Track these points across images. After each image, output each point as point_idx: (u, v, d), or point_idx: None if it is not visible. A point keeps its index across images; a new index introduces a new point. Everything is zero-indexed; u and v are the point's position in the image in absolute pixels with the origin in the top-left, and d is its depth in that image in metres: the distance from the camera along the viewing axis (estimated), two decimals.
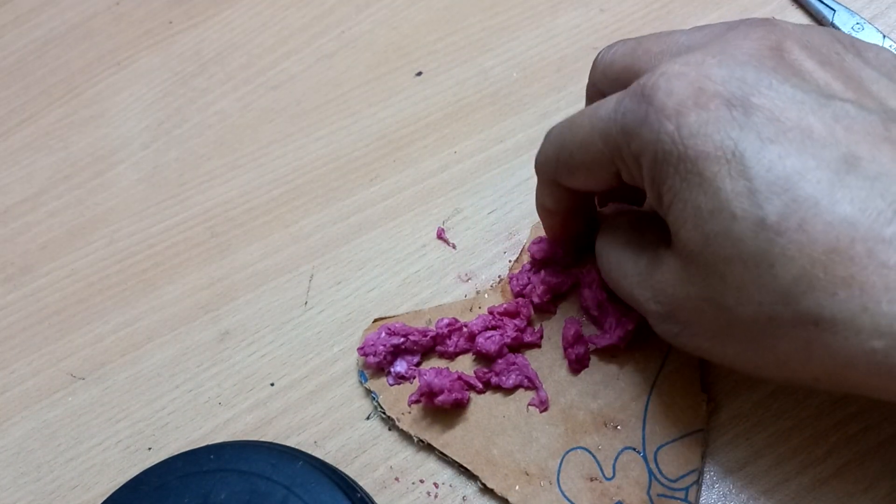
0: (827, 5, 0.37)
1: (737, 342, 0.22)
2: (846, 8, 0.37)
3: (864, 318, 0.19)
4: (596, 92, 0.29)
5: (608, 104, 0.24)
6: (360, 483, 0.30)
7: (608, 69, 0.27)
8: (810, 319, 0.20)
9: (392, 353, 0.31)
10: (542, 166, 0.28)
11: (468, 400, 0.30)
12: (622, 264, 0.26)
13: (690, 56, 0.23)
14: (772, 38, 0.23)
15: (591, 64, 0.38)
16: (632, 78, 0.24)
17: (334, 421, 0.31)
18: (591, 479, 0.28)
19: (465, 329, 0.31)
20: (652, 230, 0.26)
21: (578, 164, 0.26)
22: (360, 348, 0.31)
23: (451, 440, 0.29)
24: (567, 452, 0.28)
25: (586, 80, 0.38)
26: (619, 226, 0.28)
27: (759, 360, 0.22)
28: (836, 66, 0.23)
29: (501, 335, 0.30)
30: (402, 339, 0.31)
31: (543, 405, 0.29)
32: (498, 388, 0.30)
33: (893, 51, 0.36)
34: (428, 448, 0.30)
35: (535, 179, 0.36)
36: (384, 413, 0.31)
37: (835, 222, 0.19)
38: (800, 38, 0.23)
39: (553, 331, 0.31)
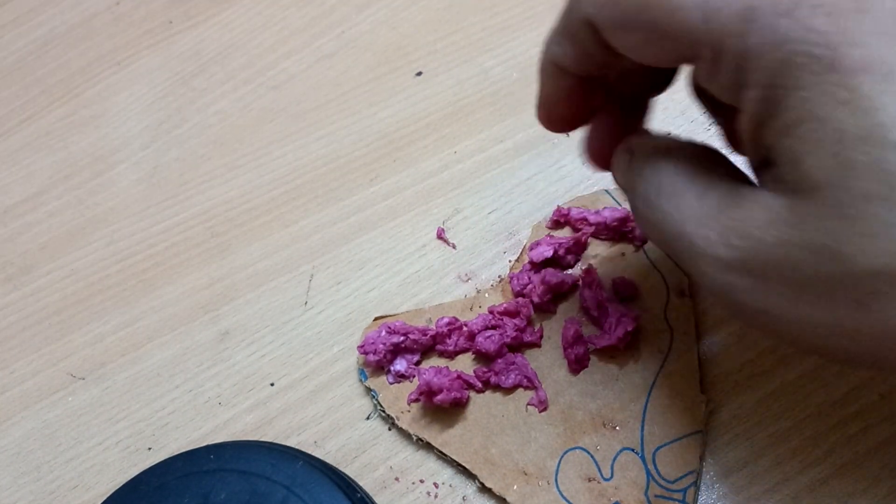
0: None
1: (831, 305, 0.19)
2: None
3: None
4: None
5: None
6: (360, 483, 0.30)
7: None
8: None
9: (392, 351, 0.31)
10: (587, 2, 0.22)
11: (467, 399, 0.30)
12: (677, 196, 0.22)
13: None
14: None
15: None
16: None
17: (334, 421, 0.31)
18: (589, 480, 0.28)
19: (464, 328, 0.31)
20: (725, 166, 0.22)
21: (648, 22, 0.20)
22: (360, 346, 0.31)
23: (449, 439, 0.29)
24: (565, 452, 0.28)
25: None
26: (677, 154, 0.23)
27: (857, 330, 0.19)
28: None
29: (501, 335, 0.30)
30: (402, 338, 0.31)
31: (542, 405, 0.29)
32: (497, 388, 0.30)
33: None
34: (427, 447, 0.30)
35: (535, 179, 0.36)
36: (384, 411, 0.31)
37: None
38: None
39: (553, 331, 0.31)
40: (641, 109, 0.27)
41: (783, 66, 0.18)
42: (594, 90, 0.25)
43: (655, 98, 0.27)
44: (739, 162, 0.22)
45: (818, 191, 0.18)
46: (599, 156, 0.27)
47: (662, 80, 0.25)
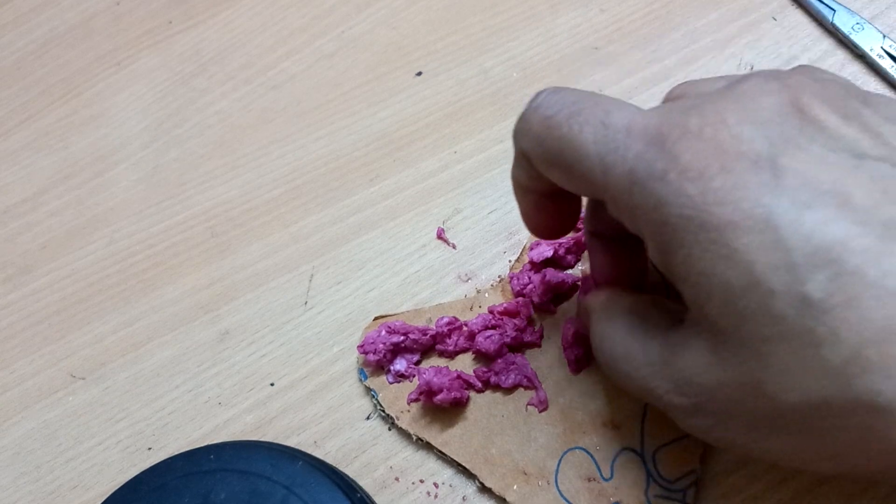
0: (827, 5, 0.37)
1: (782, 434, 0.20)
2: (846, 8, 0.37)
3: None
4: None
5: (618, 126, 0.21)
6: (360, 483, 0.30)
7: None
8: (867, 405, 0.17)
9: (392, 351, 0.31)
10: (521, 138, 0.24)
11: (467, 399, 0.30)
12: (629, 356, 0.23)
13: (706, 107, 0.20)
14: (789, 93, 0.20)
15: (590, 64, 0.38)
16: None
17: (334, 421, 0.31)
18: (589, 480, 0.28)
19: (464, 328, 0.31)
20: (657, 312, 0.24)
21: (565, 167, 0.22)
22: (360, 346, 0.31)
23: (449, 439, 0.29)
24: (565, 452, 0.28)
25: (586, 80, 0.38)
26: (615, 312, 0.25)
27: (809, 454, 0.20)
28: (857, 121, 0.20)
29: (501, 334, 0.30)
30: (402, 338, 0.31)
31: (542, 405, 0.29)
32: (497, 388, 0.30)
33: (892, 51, 0.35)
34: (427, 447, 0.30)
35: None
36: (383, 411, 0.31)
37: (886, 297, 0.17)
38: (815, 92, 0.21)
39: (553, 331, 0.31)
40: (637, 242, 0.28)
41: (664, 226, 0.20)
42: (563, 202, 0.26)
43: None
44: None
45: (725, 335, 0.19)
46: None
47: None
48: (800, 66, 0.23)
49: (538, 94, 0.24)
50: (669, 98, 0.25)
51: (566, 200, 0.26)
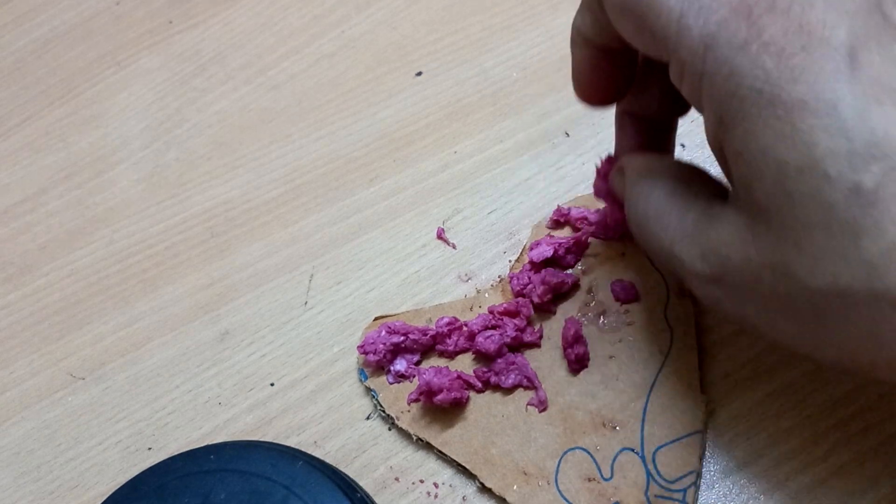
0: None
1: (794, 317, 0.20)
2: None
3: None
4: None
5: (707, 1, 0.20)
6: (360, 483, 0.30)
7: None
8: (889, 298, 0.18)
9: (392, 351, 0.31)
10: None
11: (467, 399, 0.30)
12: (663, 217, 0.24)
13: None
14: None
15: None
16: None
17: (334, 421, 0.31)
18: (589, 480, 0.28)
19: (464, 328, 0.31)
20: (702, 181, 0.24)
21: (639, 15, 0.22)
22: (360, 346, 0.31)
23: (449, 439, 0.29)
24: (565, 452, 0.28)
25: None
26: (660, 174, 0.25)
27: (816, 340, 0.21)
28: None
29: (501, 335, 0.30)
30: (402, 338, 0.31)
31: (542, 405, 0.29)
32: (497, 388, 0.30)
33: None
34: (427, 447, 0.30)
35: (535, 179, 0.36)
36: (383, 411, 0.31)
37: None
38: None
39: (553, 331, 0.31)
40: (667, 129, 0.29)
41: (732, 97, 0.20)
42: (620, 64, 0.26)
43: (680, 119, 0.29)
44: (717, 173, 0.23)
45: (767, 215, 0.20)
46: None
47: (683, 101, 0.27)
48: None
49: None
50: None
51: (623, 63, 0.26)
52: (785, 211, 0.19)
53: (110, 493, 0.29)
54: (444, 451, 0.29)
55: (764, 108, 0.19)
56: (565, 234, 0.33)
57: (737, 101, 0.20)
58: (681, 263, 0.23)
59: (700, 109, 0.21)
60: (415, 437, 0.30)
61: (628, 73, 0.27)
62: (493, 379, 0.30)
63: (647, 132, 0.28)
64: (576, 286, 0.32)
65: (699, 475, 0.28)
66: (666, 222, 0.23)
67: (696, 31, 0.20)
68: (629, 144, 0.29)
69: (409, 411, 0.30)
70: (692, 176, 0.25)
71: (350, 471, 0.30)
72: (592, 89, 0.27)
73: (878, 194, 0.18)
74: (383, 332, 0.31)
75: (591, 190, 0.34)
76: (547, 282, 0.31)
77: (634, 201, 0.25)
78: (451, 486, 0.29)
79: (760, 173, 0.19)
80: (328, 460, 0.30)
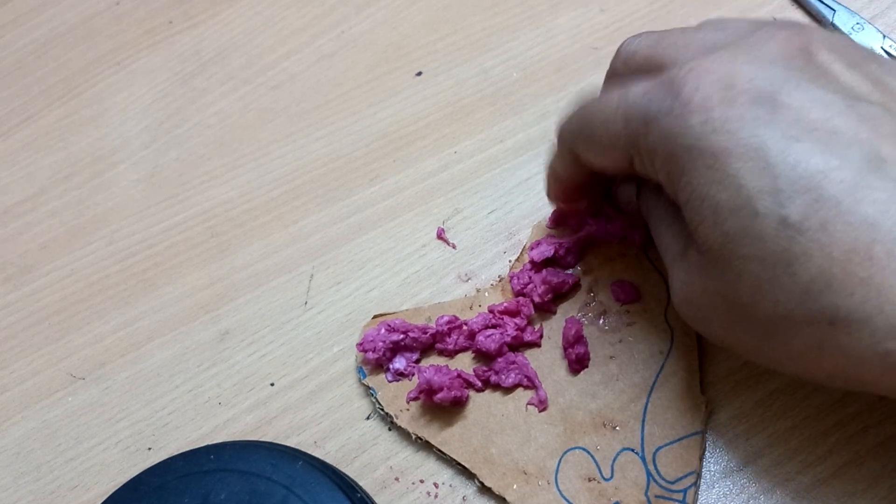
0: (827, 5, 0.37)
1: (750, 335, 0.22)
2: (846, 8, 0.37)
3: (879, 319, 0.19)
4: (614, 81, 0.28)
5: (637, 88, 0.24)
6: (360, 483, 0.30)
7: (630, 59, 0.27)
8: (826, 318, 0.20)
9: (391, 349, 0.31)
10: (562, 132, 0.28)
11: (467, 398, 0.30)
12: (662, 231, 0.27)
13: (719, 53, 0.23)
14: (799, 40, 0.23)
15: (590, 64, 0.38)
16: (654, 70, 0.25)
17: (334, 421, 0.31)
18: (589, 480, 0.28)
19: (465, 327, 0.31)
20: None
21: (598, 140, 0.26)
22: (360, 344, 0.31)
23: (449, 438, 0.29)
24: (565, 452, 0.28)
25: (586, 81, 0.38)
26: (661, 203, 0.28)
27: (772, 354, 0.22)
28: (863, 70, 0.22)
29: (501, 334, 0.30)
30: (402, 336, 0.31)
31: (542, 405, 0.29)
32: (497, 387, 0.30)
33: (893, 51, 0.35)
34: (427, 447, 0.30)
35: (534, 180, 0.36)
36: (382, 409, 0.31)
37: (856, 223, 0.19)
38: (826, 42, 0.23)
39: (553, 330, 0.31)
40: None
41: (672, 157, 0.22)
42: (591, 187, 0.30)
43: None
44: None
45: (712, 253, 0.22)
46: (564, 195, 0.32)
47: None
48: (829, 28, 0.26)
49: (576, 102, 0.28)
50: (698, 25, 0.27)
51: (591, 187, 0.30)
52: (725, 248, 0.21)
53: (110, 493, 0.29)
54: (443, 450, 0.29)
55: (696, 160, 0.21)
56: (565, 234, 0.33)
57: (675, 160, 0.22)
58: (671, 279, 0.26)
59: (658, 180, 0.24)
60: (414, 436, 0.30)
61: (598, 188, 0.31)
62: (493, 378, 0.30)
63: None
64: (576, 286, 0.32)
65: (699, 475, 0.28)
66: (664, 241, 0.26)
67: (636, 113, 0.23)
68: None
69: (407, 410, 0.30)
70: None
71: (350, 471, 0.30)
72: (567, 205, 0.32)
73: (804, 224, 0.20)
74: (382, 330, 0.31)
75: None
76: (548, 281, 0.31)
77: (649, 214, 0.28)
78: (451, 486, 0.29)
79: (702, 217, 0.22)
80: (328, 460, 0.30)
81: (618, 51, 0.28)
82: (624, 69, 0.27)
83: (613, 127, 0.25)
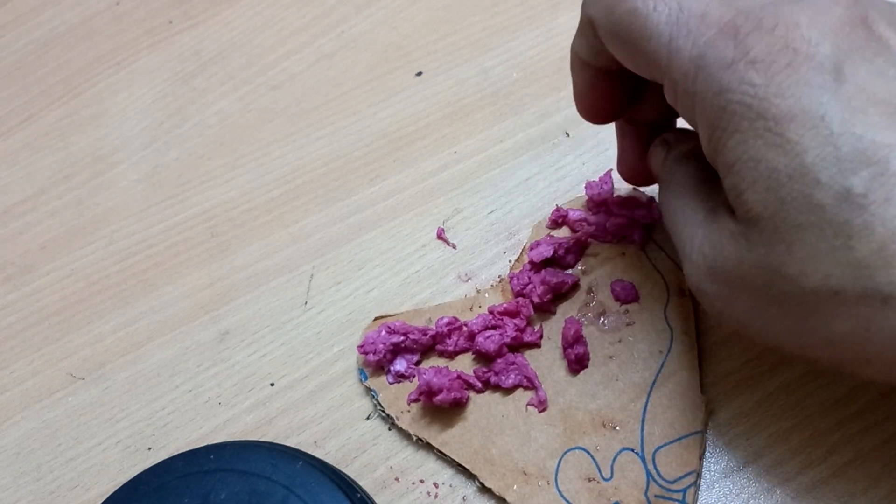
0: None
1: (784, 316, 0.21)
2: None
3: None
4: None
5: (694, 11, 0.22)
6: (360, 483, 0.30)
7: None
8: (879, 296, 0.19)
9: (392, 351, 0.31)
10: (592, 5, 0.25)
11: (467, 399, 0.30)
12: (686, 199, 0.25)
13: (789, 9, 0.21)
14: (859, 9, 0.21)
15: None
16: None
17: (334, 421, 0.31)
18: (589, 480, 0.28)
19: (464, 328, 0.31)
20: (717, 180, 0.25)
21: (631, 41, 0.23)
22: (360, 346, 0.31)
23: (449, 439, 0.29)
24: (565, 453, 0.28)
25: None
26: (694, 161, 0.26)
27: (806, 338, 0.21)
28: None
29: (501, 335, 0.30)
30: (402, 338, 0.31)
31: (542, 405, 0.29)
32: (497, 388, 0.30)
33: None
34: (427, 447, 0.30)
35: (535, 179, 0.36)
36: (383, 411, 0.31)
37: None
38: (885, 13, 0.22)
39: (553, 331, 0.31)
40: (667, 129, 0.29)
41: (722, 112, 0.21)
42: (619, 84, 0.27)
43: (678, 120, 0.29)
44: None
45: (759, 221, 0.21)
46: (630, 172, 0.30)
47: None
48: None
49: None
50: None
51: (622, 82, 0.27)
52: (778, 216, 0.20)
53: (110, 493, 0.29)
54: (443, 451, 0.29)
55: (754, 121, 0.20)
56: (565, 234, 0.33)
57: (727, 116, 0.21)
58: (686, 253, 0.24)
59: (694, 126, 0.23)
60: (415, 438, 0.30)
61: (628, 91, 0.28)
62: (493, 379, 0.30)
63: (648, 136, 0.29)
64: (576, 286, 0.32)
65: (699, 475, 0.28)
66: (686, 204, 0.25)
67: (685, 52, 0.22)
68: (631, 149, 0.30)
69: (408, 411, 0.30)
70: (713, 173, 0.25)
71: (350, 471, 0.30)
72: (594, 109, 0.29)
73: (868, 198, 0.19)
74: (383, 332, 0.31)
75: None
76: (547, 282, 0.31)
77: (671, 175, 0.26)
78: (451, 486, 0.29)
79: (753, 181, 0.20)
80: (328, 460, 0.30)
81: None
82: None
83: (654, 44, 0.22)
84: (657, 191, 0.30)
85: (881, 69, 0.20)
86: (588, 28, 0.25)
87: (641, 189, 0.33)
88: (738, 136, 0.21)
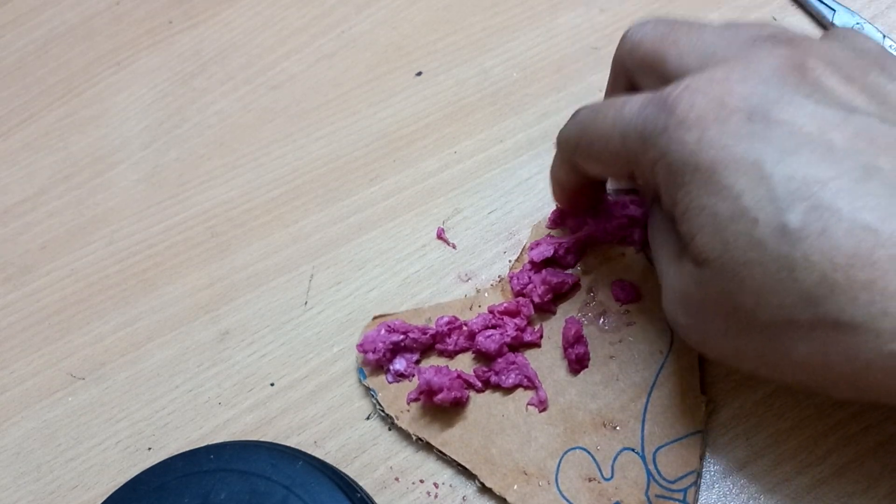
0: (827, 5, 0.37)
1: (751, 344, 0.22)
2: (846, 8, 0.37)
3: (884, 321, 0.19)
4: (620, 67, 0.29)
5: (633, 105, 0.24)
6: (360, 483, 0.30)
7: (635, 49, 0.27)
8: (830, 323, 0.20)
9: (391, 350, 0.31)
10: (563, 143, 0.29)
11: (467, 399, 0.30)
12: (660, 246, 0.27)
13: (714, 71, 0.23)
14: (796, 56, 0.23)
15: (590, 64, 0.38)
16: (655, 65, 0.26)
17: (334, 421, 0.31)
18: (590, 480, 0.28)
19: (464, 327, 0.31)
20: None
21: (596, 154, 0.26)
22: (360, 345, 0.31)
23: (449, 439, 0.29)
24: (566, 452, 0.28)
25: (586, 80, 0.38)
26: (663, 228, 0.28)
27: (774, 363, 0.22)
28: (860, 82, 0.23)
29: (501, 334, 0.30)
30: (402, 337, 0.31)
31: (542, 405, 0.29)
32: (497, 388, 0.30)
33: (892, 51, 0.35)
34: (427, 448, 0.30)
35: (534, 180, 0.36)
36: (383, 410, 0.31)
37: (856, 229, 0.19)
38: (824, 55, 0.23)
39: (553, 331, 0.31)
40: None
41: (669, 171, 0.23)
42: (594, 189, 0.32)
43: None
44: None
45: (711, 262, 0.22)
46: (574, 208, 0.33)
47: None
48: (835, 29, 0.26)
49: (574, 113, 0.28)
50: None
51: (593, 189, 0.32)
52: (725, 255, 0.21)
53: (110, 493, 0.29)
54: (443, 450, 0.29)
55: (693, 173, 0.22)
56: (565, 233, 0.33)
57: (672, 175, 0.23)
58: (664, 285, 0.26)
59: (658, 194, 0.24)
60: (414, 437, 0.30)
61: (600, 190, 0.32)
62: (494, 378, 0.30)
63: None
64: (576, 286, 0.32)
65: (699, 475, 0.28)
66: (662, 244, 0.26)
67: (634, 133, 0.24)
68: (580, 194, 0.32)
69: (408, 411, 0.30)
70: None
71: (350, 471, 0.30)
72: (573, 210, 0.33)
73: (804, 231, 0.20)
74: (382, 331, 0.31)
75: None
76: (547, 281, 0.31)
77: (651, 219, 0.28)
78: (451, 486, 0.29)
79: (700, 227, 0.22)
80: (328, 460, 0.30)
81: (624, 36, 0.28)
82: (628, 59, 0.28)
83: (612, 143, 0.25)
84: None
85: (812, 110, 0.21)
86: (566, 163, 0.29)
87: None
88: (684, 188, 0.22)
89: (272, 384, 0.33)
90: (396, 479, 0.30)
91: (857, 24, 0.36)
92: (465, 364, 0.31)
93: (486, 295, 0.33)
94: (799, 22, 0.38)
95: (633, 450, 0.28)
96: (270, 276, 0.35)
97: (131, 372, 0.34)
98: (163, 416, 0.33)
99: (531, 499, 0.28)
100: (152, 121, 0.41)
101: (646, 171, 0.24)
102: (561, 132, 0.29)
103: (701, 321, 0.24)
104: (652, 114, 0.23)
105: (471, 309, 0.32)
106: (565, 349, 0.30)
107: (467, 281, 0.34)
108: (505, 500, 0.28)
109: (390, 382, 0.31)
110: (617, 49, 0.29)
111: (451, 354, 0.31)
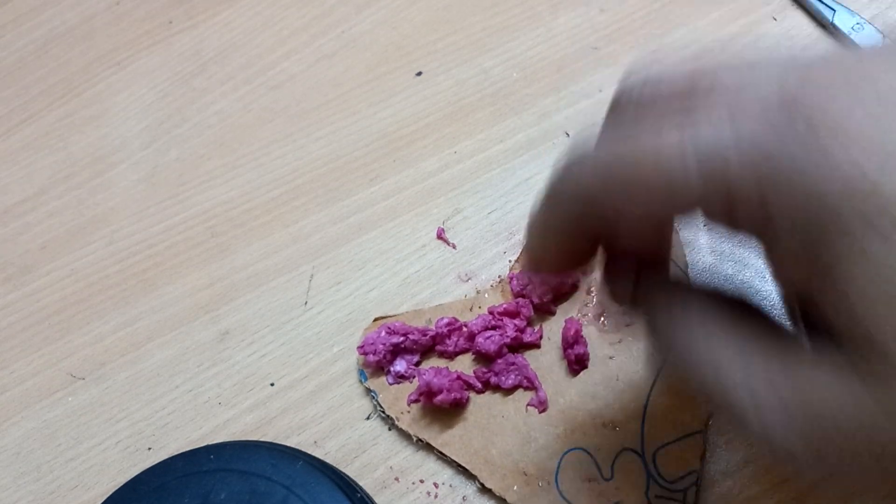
0: (827, 5, 0.37)
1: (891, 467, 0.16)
2: (846, 8, 0.37)
3: None
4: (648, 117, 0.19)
5: (710, 122, 0.17)
6: (360, 483, 0.30)
7: (655, 87, 0.19)
8: None
9: (392, 352, 0.31)
10: (571, 191, 0.20)
11: (467, 400, 0.30)
12: (725, 347, 0.19)
13: (829, 56, 0.16)
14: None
15: (591, 64, 0.38)
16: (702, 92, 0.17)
17: (334, 421, 0.31)
18: (590, 480, 0.28)
19: (464, 329, 0.31)
20: (757, 315, 0.19)
21: (644, 191, 0.18)
22: (360, 347, 0.31)
23: (449, 440, 0.29)
24: (566, 453, 0.28)
25: (586, 80, 0.38)
26: (711, 309, 0.20)
27: None
28: None
29: (501, 335, 0.30)
30: (402, 339, 0.31)
31: (542, 405, 0.29)
32: (497, 388, 0.30)
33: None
34: (427, 448, 0.30)
35: (534, 180, 0.36)
36: (383, 412, 0.31)
37: None
38: None
39: (553, 331, 0.31)
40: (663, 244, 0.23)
41: (820, 209, 0.15)
42: (583, 244, 0.22)
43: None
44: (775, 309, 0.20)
45: (890, 355, 0.15)
46: (625, 298, 0.23)
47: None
48: None
49: (573, 148, 0.20)
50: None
51: (585, 242, 0.22)
52: None
53: (110, 493, 0.29)
54: (444, 451, 0.29)
55: (867, 213, 0.15)
56: None
57: (826, 214, 0.15)
58: (739, 410, 0.18)
59: (761, 239, 0.17)
60: (415, 438, 0.30)
61: (590, 249, 0.22)
62: (493, 379, 0.30)
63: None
64: (576, 286, 0.32)
65: (699, 475, 0.28)
66: (727, 346, 0.19)
67: (737, 157, 0.16)
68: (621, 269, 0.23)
69: (408, 412, 0.30)
70: (747, 307, 0.20)
71: (350, 471, 0.30)
72: (550, 266, 0.23)
73: None
74: (383, 333, 0.31)
75: None
76: (547, 282, 0.31)
77: (684, 313, 0.20)
78: (451, 486, 0.29)
79: (872, 300, 0.15)
80: (328, 460, 0.30)
81: (622, 87, 0.20)
82: (650, 96, 0.19)
83: (677, 174, 0.17)
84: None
85: None
86: (571, 201, 0.20)
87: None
88: (850, 237, 0.15)
89: (272, 384, 0.33)
90: (396, 479, 0.30)
91: (858, 24, 0.36)
92: (465, 365, 0.31)
93: (485, 296, 0.33)
94: (799, 22, 0.38)
95: (632, 450, 0.28)
96: (270, 276, 0.35)
97: (131, 372, 0.34)
98: (163, 416, 0.33)
99: (531, 499, 0.28)
100: (152, 121, 0.41)
101: (743, 208, 0.16)
102: (562, 180, 0.20)
103: (835, 446, 0.16)
104: (780, 121, 0.16)
105: (471, 310, 0.32)
106: (565, 350, 0.30)
107: (467, 281, 0.34)
108: (505, 500, 0.28)
109: (391, 384, 0.31)
110: (617, 99, 0.21)
111: (451, 356, 0.31)
